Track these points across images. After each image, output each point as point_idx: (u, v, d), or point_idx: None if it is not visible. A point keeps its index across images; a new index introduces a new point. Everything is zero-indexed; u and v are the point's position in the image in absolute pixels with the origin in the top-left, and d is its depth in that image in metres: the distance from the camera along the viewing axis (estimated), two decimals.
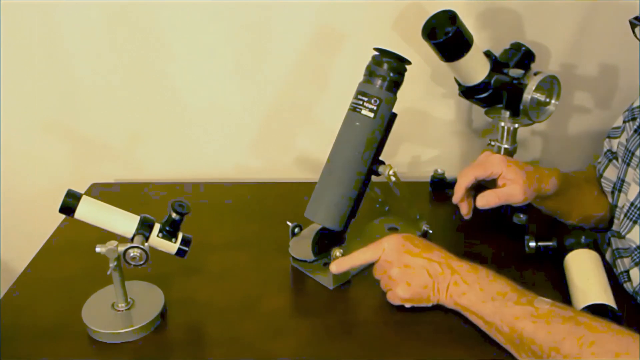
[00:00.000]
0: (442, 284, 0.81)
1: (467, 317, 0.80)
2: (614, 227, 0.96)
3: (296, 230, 0.94)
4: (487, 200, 0.90)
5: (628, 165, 0.92)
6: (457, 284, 0.80)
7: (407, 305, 0.84)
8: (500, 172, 0.89)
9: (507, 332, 0.74)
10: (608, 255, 0.96)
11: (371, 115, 0.86)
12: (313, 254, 0.90)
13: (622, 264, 0.91)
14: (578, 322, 0.71)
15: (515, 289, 0.77)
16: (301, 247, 0.92)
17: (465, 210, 0.97)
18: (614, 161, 0.99)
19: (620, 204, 0.94)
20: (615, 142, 0.98)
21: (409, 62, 0.87)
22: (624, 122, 0.97)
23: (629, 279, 0.88)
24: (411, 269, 0.82)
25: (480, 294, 0.78)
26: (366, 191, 0.93)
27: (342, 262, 0.86)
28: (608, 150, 1.01)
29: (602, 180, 1.00)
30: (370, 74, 0.87)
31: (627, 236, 0.88)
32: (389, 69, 0.86)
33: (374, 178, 0.94)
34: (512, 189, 0.89)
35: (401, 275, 0.82)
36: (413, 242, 0.84)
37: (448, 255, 0.83)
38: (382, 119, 0.87)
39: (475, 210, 0.96)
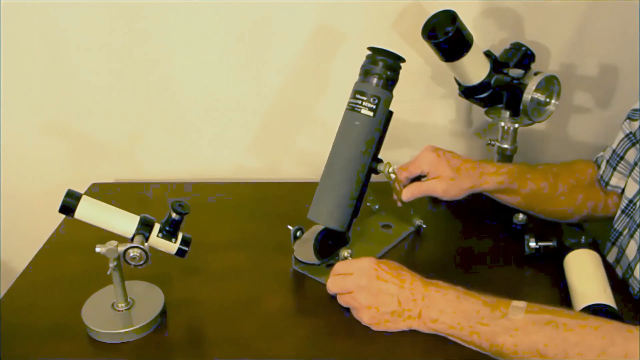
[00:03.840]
0: (413, 311, 0.79)
1: (444, 337, 0.79)
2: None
3: (298, 233, 0.94)
4: (411, 192, 0.94)
5: None
6: (429, 309, 0.79)
7: (374, 328, 0.82)
8: (429, 170, 0.94)
9: (488, 348, 0.75)
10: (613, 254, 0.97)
11: (371, 114, 0.87)
12: (317, 256, 0.90)
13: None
14: (557, 325, 0.71)
15: (487, 304, 0.77)
16: (305, 250, 0.92)
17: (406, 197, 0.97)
18: (637, 145, 0.95)
19: (627, 193, 0.94)
20: (636, 123, 0.95)
21: (403, 60, 0.87)
22: None
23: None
24: (381, 295, 0.80)
25: (453, 316, 0.77)
26: (367, 190, 0.93)
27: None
28: (630, 133, 0.97)
29: (622, 162, 0.97)
30: (365, 73, 0.88)
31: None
32: (384, 67, 0.86)
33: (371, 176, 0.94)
34: (433, 184, 0.93)
35: (369, 301, 0.81)
36: (385, 267, 0.83)
37: (418, 280, 0.82)
38: (381, 117, 0.88)
39: (476, 210, 0.96)
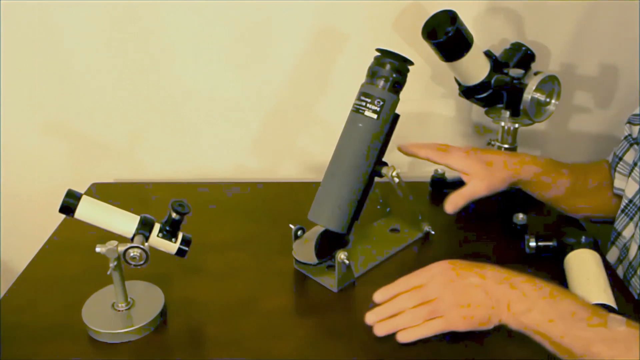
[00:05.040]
0: (501, 301, 0.73)
1: (530, 336, 0.72)
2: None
3: (299, 233, 0.94)
4: (454, 204, 0.90)
5: None
6: (518, 302, 0.72)
7: (467, 329, 0.75)
8: (457, 167, 0.91)
9: (579, 355, 0.68)
10: (614, 255, 0.97)
11: (374, 116, 0.86)
12: (316, 257, 0.90)
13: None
14: None
15: (584, 306, 0.70)
16: (305, 250, 0.92)
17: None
18: (635, 145, 0.97)
19: (628, 193, 0.94)
20: (636, 128, 0.96)
21: (411, 63, 0.87)
22: None
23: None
24: (469, 290, 0.74)
25: (546, 312, 0.70)
26: (369, 193, 0.93)
27: (384, 290, 0.79)
28: (629, 135, 0.98)
29: (621, 163, 0.98)
30: (372, 75, 0.87)
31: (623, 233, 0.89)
32: (391, 70, 0.86)
33: (375, 179, 0.94)
34: (473, 186, 0.90)
35: (458, 300, 0.74)
36: (462, 263, 0.78)
37: (503, 270, 0.76)
38: (385, 120, 0.87)
39: (476, 210, 0.96)
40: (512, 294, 0.72)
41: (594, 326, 0.68)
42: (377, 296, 0.79)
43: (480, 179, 0.90)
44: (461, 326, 0.75)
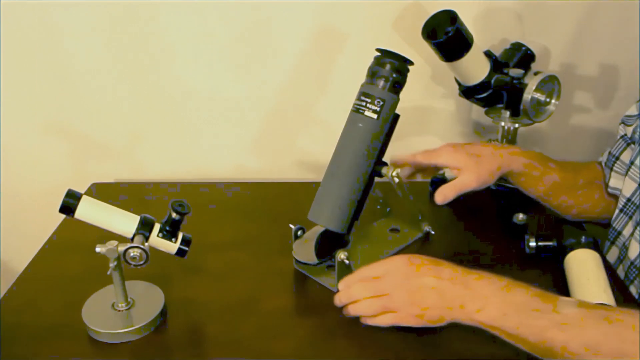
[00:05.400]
0: (455, 302, 0.75)
1: (486, 330, 0.74)
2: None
3: (299, 233, 0.94)
4: (444, 195, 0.91)
5: None
6: (473, 299, 0.74)
7: (418, 326, 0.77)
8: (445, 162, 0.91)
9: (535, 342, 0.70)
10: (613, 254, 0.97)
11: (374, 116, 0.86)
12: (316, 257, 0.90)
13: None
14: (613, 322, 0.67)
15: (535, 294, 0.72)
16: (304, 250, 0.92)
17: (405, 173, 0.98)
18: (632, 145, 0.96)
19: (625, 192, 0.94)
20: (630, 129, 0.96)
21: (411, 63, 0.87)
22: None
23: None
24: (422, 291, 0.76)
25: (499, 307, 0.72)
26: (369, 193, 0.93)
27: (348, 279, 0.83)
28: (624, 135, 0.98)
29: (618, 163, 0.97)
30: (372, 74, 0.87)
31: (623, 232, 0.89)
32: (391, 70, 0.86)
33: (375, 179, 0.94)
34: (463, 178, 0.90)
35: (410, 299, 0.77)
36: (418, 261, 0.79)
37: (458, 269, 0.77)
38: (385, 120, 0.87)
39: (476, 210, 0.96)
40: (466, 294, 0.74)
41: (546, 313, 0.70)
42: (340, 285, 0.83)
43: (469, 171, 0.90)
44: (413, 323, 0.77)
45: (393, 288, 0.78)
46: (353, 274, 0.83)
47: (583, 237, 0.91)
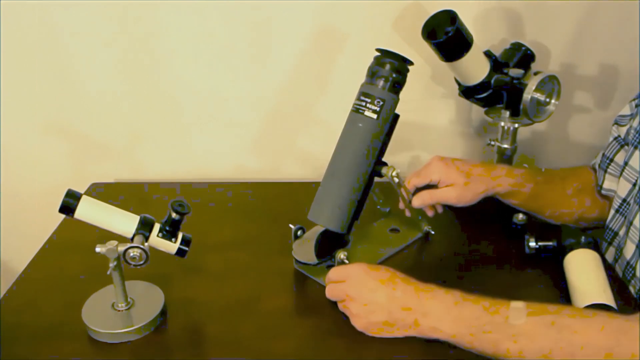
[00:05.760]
0: (406, 320, 0.77)
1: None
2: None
3: (299, 232, 0.94)
4: (422, 199, 0.94)
5: (636, 148, 0.91)
6: (426, 317, 0.77)
7: (369, 335, 0.81)
8: (439, 178, 0.93)
9: (492, 353, 0.73)
10: (611, 254, 0.97)
11: (374, 116, 0.86)
12: (316, 257, 0.90)
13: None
14: (561, 327, 0.70)
15: (487, 309, 0.74)
16: (304, 250, 0.92)
17: (430, 213, 1.00)
18: (625, 147, 0.97)
19: (620, 192, 0.94)
20: (623, 129, 0.97)
21: (411, 63, 0.87)
22: (636, 106, 0.95)
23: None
24: (371, 306, 0.79)
25: (452, 324, 0.75)
26: (369, 193, 0.93)
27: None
28: (618, 136, 0.99)
29: (612, 165, 0.98)
30: (372, 74, 0.87)
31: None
32: (391, 70, 0.86)
33: (375, 179, 0.94)
34: (446, 191, 0.93)
35: (360, 310, 0.80)
36: (375, 275, 0.81)
37: (411, 287, 0.79)
38: (385, 120, 0.87)
39: (476, 211, 0.96)
40: (419, 312, 0.77)
41: (497, 325, 0.72)
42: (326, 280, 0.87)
43: (455, 189, 0.93)
44: (364, 331, 0.81)
45: (350, 293, 0.82)
46: (328, 273, 0.86)
47: (583, 237, 0.92)
